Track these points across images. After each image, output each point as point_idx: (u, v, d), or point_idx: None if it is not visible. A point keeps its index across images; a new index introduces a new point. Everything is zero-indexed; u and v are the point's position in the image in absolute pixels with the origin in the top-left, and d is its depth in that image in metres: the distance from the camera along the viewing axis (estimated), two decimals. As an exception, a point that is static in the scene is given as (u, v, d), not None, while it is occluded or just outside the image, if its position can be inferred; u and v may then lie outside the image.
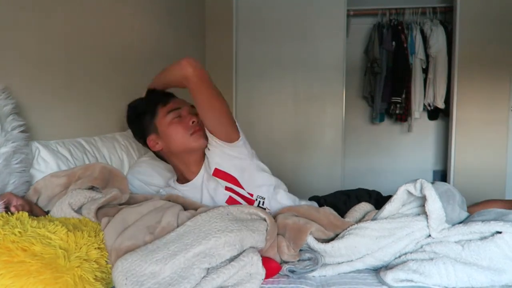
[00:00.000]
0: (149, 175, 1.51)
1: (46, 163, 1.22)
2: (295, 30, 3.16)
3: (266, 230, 1.02)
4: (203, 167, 1.38)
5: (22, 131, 1.13)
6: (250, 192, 1.34)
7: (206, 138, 1.33)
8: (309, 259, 1.08)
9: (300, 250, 1.09)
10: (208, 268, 0.87)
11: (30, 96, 1.28)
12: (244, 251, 0.93)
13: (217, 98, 1.27)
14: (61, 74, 1.44)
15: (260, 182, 1.37)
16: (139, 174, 1.51)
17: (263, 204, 1.35)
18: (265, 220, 1.04)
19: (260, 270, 0.90)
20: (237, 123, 1.34)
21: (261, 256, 0.99)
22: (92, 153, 1.43)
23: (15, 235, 0.80)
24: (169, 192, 1.39)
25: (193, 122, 1.35)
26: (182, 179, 1.43)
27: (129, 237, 0.95)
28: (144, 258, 0.86)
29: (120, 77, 1.83)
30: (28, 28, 1.27)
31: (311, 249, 1.10)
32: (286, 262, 1.06)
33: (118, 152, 1.59)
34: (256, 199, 1.34)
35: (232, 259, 0.91)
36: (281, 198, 1.37)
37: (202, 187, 1.37)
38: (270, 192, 1.37)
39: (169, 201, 1.23)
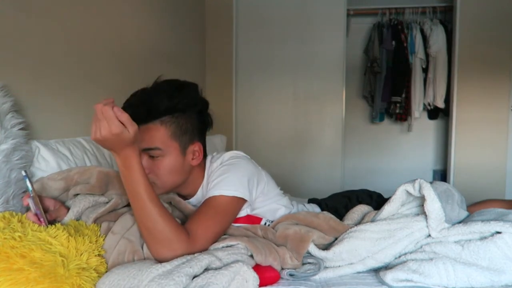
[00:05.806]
0: (149, 175, 1.50)
1: (47, 162, 1.21)
2: (295, 29, 3.16)
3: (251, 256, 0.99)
4: (201, 189, 1.26)
5: (21, 129, 1.13)
6: (259, 216, 1.26)
7: (159, 183, 1.15)
8: (309, 263, 1.08)
9: None
10: (194, 276, 0.84)
11: (30, 95, 1.28)
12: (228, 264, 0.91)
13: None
14: (61, 73, 1.44)
15: (276, 212, 1.29)
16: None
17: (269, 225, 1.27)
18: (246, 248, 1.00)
19: (252, 275, 0.88)
20: (246, 191, 1.13)
21: (261, 265, 0.99)
22: (92, 152, 1.43)
23: (15, 239, 0.80)
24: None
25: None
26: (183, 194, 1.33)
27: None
28: (121, 275, 0.84)
29: (120, 76, 1.82)
30: (28, 27, 1.27)
31: (312, 255, 1.10)
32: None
33: (118, 151, 1.58)
34: (265, 223, 1.26)
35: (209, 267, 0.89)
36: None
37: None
38: (279, 214, 1.29)
39: (170, 203, 1.22)
